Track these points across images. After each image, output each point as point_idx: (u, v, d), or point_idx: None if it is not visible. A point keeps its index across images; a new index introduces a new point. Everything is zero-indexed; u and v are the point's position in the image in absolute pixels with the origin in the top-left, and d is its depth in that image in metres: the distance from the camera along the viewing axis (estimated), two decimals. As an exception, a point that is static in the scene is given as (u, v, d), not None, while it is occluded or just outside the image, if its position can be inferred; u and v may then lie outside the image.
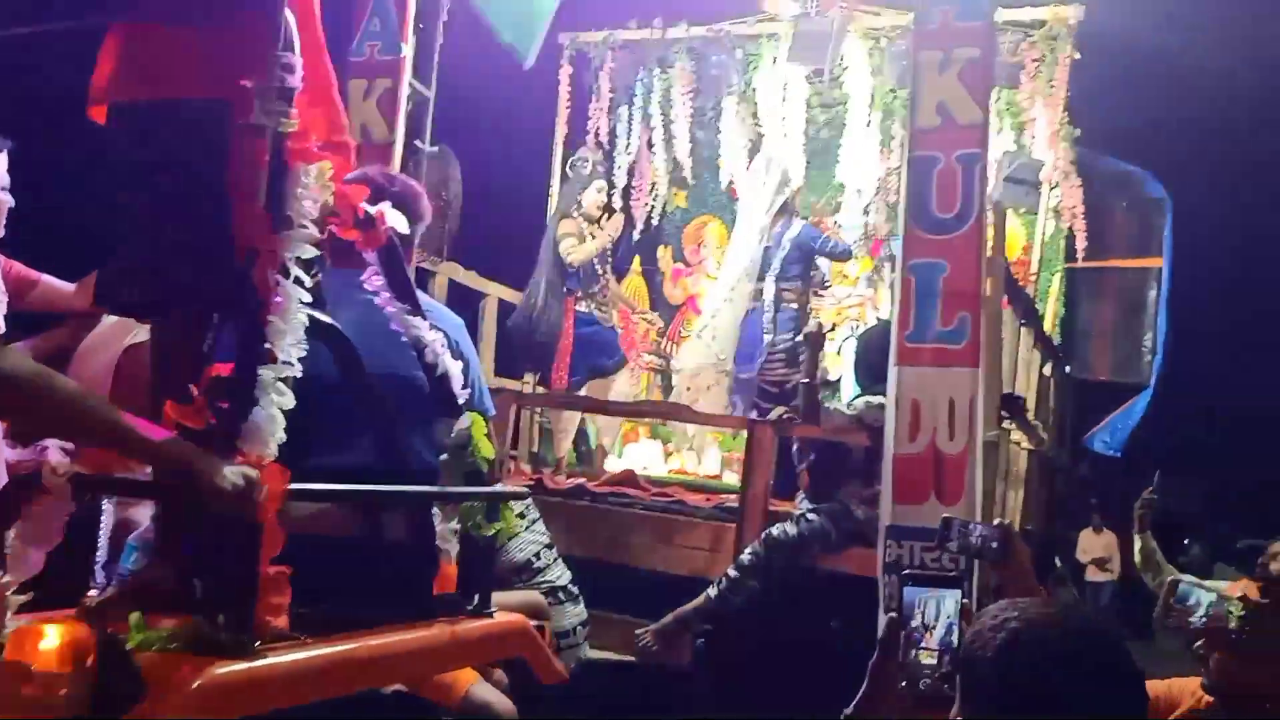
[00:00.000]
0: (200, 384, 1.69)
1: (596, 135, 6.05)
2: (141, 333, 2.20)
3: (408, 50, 4.22)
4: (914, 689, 1.44)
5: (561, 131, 6.02)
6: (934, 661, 1.45)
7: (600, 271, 5.47)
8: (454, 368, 2.19)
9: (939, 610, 1.46)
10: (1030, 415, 5.12)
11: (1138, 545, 3.96)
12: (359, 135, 4.23)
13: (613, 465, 5.42)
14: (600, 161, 5.72)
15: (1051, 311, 6.32)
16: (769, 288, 5.33)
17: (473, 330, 5.61)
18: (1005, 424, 4.21)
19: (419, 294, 2.31)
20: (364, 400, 2.02)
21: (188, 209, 1.69)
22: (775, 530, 3.85)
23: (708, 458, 5.73)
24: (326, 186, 1.86)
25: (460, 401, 2.20)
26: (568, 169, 5.74)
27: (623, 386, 5.66)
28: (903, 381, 3.49)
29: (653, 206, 6.47)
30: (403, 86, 4.20)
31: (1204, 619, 1.88)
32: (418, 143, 4.46)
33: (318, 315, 1.84)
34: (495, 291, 5.66)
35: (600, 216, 5.42)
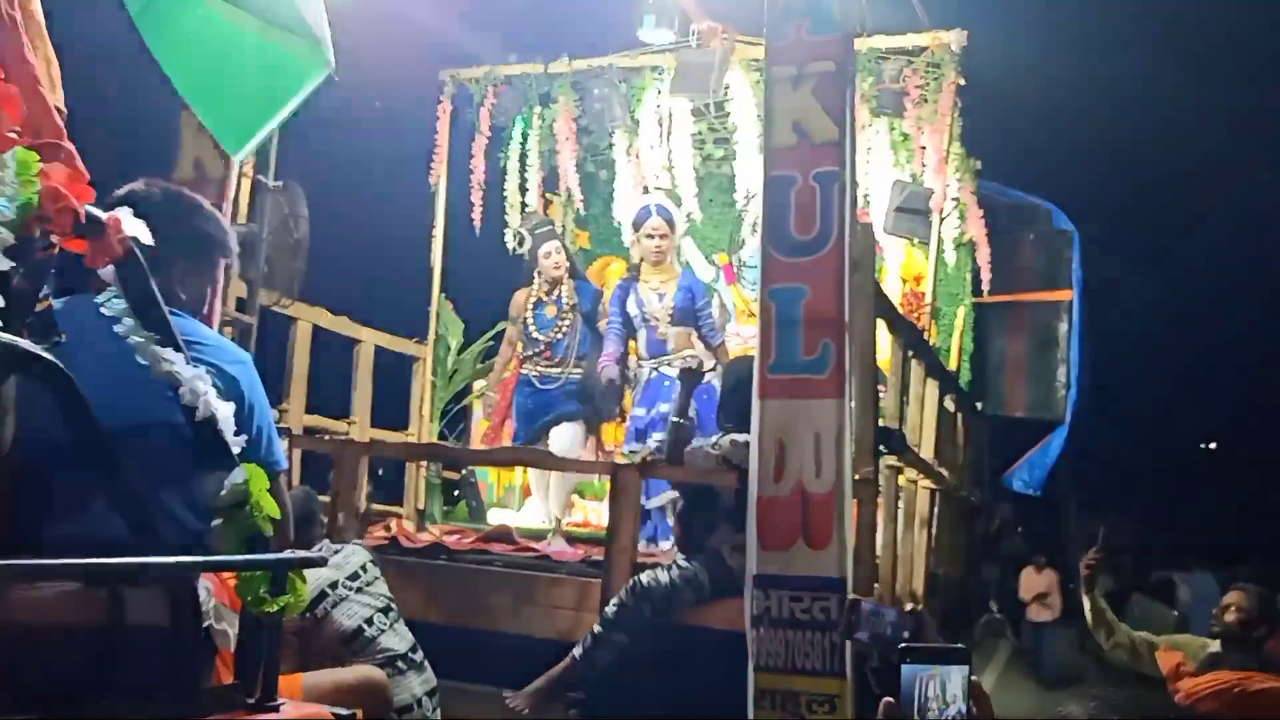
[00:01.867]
0: None
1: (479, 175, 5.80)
2: None
3: (243, 79, 3.93)
4: None
5: (442, 170, 5.76)
6: None
7: (535, 335, 5.19)
8: (222, 410, 1.83)
9: (943, 690, 1.23)
10: (930, 453, 4.90)
11: (1087, 605, 3.82)
12: (192, 170, 3.93)
13: (496, 519, 5.08)
14: (546, 222, 5.49)
15: (957, 346, 6.15)
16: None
17: (346, 377, 5.37)
18: (891, 461, 3.97)
19: (190, 323, 1.98)
20: (94, 452, 1.66)
21: None
22: (644, 578, 3.54)
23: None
24: (30, 182, 1.51)
25: (235, 451, 1.85)
26: (520, 231, 5.53)
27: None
28: (766, 416, 3.23)
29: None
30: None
31: None
32: (260, 178, 4.16)
33: (23, 345, 1.51)
34: (370, 338, 5.34)
35: (561, 276, 5.17)
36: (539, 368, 5.14)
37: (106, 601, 1.64)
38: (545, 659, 3.64)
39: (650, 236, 5.00)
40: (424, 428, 5.62)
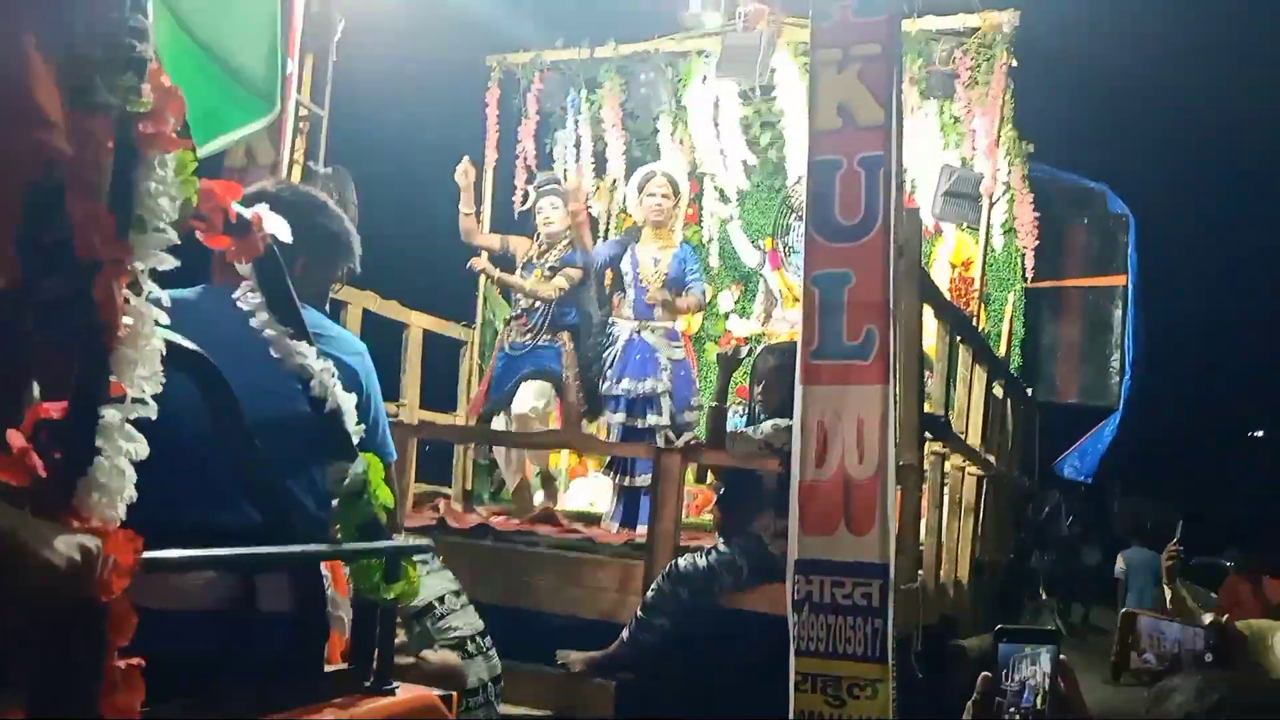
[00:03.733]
0: (24, 428, 1.31)
1: (527, 159, 5.84)
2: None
3: (294, 67, 4.01)
4: None
5: (491, 156, 5.81)
6: None
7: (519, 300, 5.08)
8: (346, 402, 1.88)
9: (1033, 667, 1.32)
10: (977, 439, 4.85)
11: (1169, 594, 3.83)
12: (244, 157, 4.03)
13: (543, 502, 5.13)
14: (553, 179, 5.40)
15: (1008, 331, 6.07)
16: None
17: (396, 361, 5.45)
18: (937, 447, 3.94)
19: (313, 315, 2.02)
20: (237, 443, 1.71)
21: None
22: (681, 562, 3.58)
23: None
24: (189, 182, 1.49)
25: (355, 441, 1.90)
26: (527, 189, 5.53)
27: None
28: (808, 402, 3.22)
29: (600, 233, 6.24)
30: (289, 105, 3.99)
31: None
32: (311, 164, 4.25)
33: (178, 340, 1.53)
34: (419, 322, 5.43)
35: (556, 234, 4.98)
36: (512, 334, 5.02)
37: (239, 588, 1.71)
38: (590, 638, 3.70)
39: (652, 195, 4.84)
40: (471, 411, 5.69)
